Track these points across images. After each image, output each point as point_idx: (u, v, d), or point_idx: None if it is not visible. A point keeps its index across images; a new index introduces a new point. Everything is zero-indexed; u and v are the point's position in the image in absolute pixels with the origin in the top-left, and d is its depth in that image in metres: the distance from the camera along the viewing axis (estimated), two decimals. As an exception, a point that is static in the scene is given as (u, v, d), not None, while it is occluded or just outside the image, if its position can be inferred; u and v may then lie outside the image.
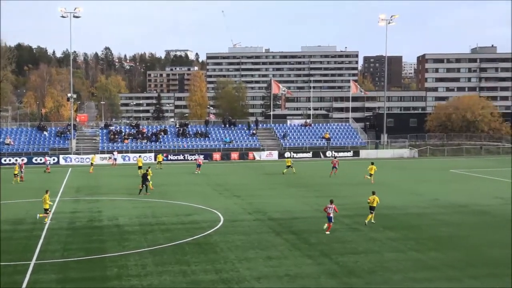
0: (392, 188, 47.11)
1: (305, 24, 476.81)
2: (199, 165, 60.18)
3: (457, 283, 21.52)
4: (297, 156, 76.59)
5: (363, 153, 79.25)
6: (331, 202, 30.19)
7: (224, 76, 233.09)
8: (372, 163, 52.64)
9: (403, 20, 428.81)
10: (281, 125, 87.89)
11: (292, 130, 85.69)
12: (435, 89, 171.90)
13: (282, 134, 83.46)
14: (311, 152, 78.13)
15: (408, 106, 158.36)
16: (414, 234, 29.62)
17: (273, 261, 24.29)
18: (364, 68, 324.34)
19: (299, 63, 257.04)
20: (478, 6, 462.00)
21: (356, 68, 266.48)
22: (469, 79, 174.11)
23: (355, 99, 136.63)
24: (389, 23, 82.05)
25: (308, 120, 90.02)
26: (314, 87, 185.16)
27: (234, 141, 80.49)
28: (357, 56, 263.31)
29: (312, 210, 36.71)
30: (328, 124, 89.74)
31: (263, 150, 78.51)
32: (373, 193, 32.56)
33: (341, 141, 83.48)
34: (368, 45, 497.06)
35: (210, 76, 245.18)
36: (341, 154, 78.26)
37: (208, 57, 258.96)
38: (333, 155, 66.20)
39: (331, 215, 29.67)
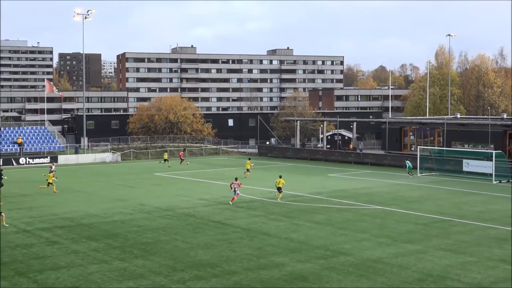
0: (94, 196, 46.94)
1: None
2: None
3: (164, 289, 22.34)
4: (-15, 165, 71.88)
5: (62, 159, 77.44)
6: (236, 179, 42.04)
7: None
8: (249, 159, 63.26)
9: (102, 16, 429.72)
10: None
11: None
12: (136, 90, 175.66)
13: (-35, 140, 77.44)
14: (1, 160, 73.81)
15: (109, 108, 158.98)
16: (118, 242, 29.95)
17: (-42, 287, 22.44)
18: (60, 66, 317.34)
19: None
20: (175, 5, 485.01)
21: (51, 66, 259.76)
22: (170, 80, 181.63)
23: (50, 99, 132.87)
24: (85, 18, 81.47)
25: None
26: (2, 86, 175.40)
27: None
28: (51, 52, 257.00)
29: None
30: (21, 128, 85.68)
31: None
32: (280, 177, 43.95)
33: (37, 146, 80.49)
34: (64, 41, 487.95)
35: None
36: (36, 160, 75.48)
37: None
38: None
39: (237, 190, 41.12)
